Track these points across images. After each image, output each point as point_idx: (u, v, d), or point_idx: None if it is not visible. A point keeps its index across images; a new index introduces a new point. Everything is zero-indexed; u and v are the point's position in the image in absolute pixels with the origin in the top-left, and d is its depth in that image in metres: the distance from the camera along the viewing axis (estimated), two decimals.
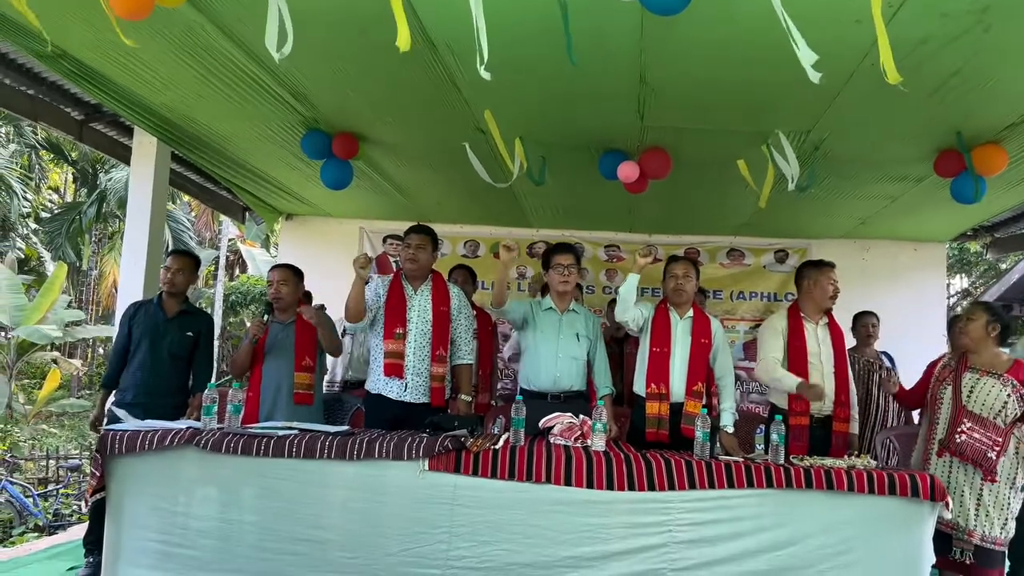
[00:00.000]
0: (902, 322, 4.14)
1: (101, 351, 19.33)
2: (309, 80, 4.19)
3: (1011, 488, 3.56)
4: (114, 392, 4.21)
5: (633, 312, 4.04)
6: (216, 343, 14.77)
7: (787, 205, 5.83)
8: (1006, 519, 3.57)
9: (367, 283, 3.97)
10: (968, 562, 3.54)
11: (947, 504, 3.11)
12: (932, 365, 3.93)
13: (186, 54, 3.92)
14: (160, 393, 4.09)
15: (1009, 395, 3.56)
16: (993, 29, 3.18)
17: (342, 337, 4.97)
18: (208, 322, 4.46)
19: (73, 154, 16.60)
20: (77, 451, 10.52)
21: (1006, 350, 3.87)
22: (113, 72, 4.24)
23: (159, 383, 4.11)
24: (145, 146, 5.45)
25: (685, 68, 3.72)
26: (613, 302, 5.25)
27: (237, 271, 19.97)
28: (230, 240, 17.49)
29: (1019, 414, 3.56)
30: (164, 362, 4.13)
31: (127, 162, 5.83)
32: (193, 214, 18.13)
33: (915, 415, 4.75)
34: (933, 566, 3.48)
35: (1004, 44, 3.31)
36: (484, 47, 2.74)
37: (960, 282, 18.61)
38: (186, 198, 16.02)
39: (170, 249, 11.12)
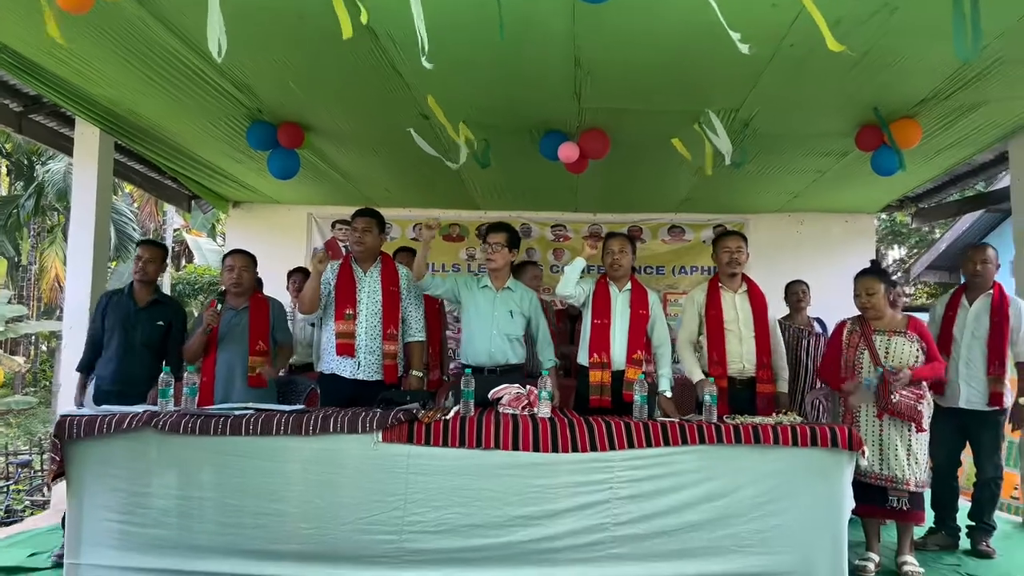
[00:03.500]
0: (835, 290, 4.40)
1: (44, 347, 18.91)
2: (251, 71, 4.25)
3: (927, 433, 3.88)
4: (93, 381, 4.26)
5: (574, 289, 4.24)
6: None
7: (724, 182, 6.07)
8: (926, 462, 3.90)
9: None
10: (905, 508, 3.84)
11: (863, 452, 3.37)
12: (837, 334, 4.15)
13: (128, 50, 3.97)
14: (134, 381, 4.14)
15: (917, 350, 3.88)
16: (899, 12, 3.42)
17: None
18: (179, 311, 4.50)
19: (7, 146, 16.16)
20: (27, 447, 10.37)
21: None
22: (54, 66, 4.26)
23: (132, 371, 4.16)
24: (87, 137, 5.39)
25: (617, 52, 3.89)
26: None
27: (183, 261, 19.69)
28: (175, 230, 17.24)
29: (924, 364, 3.88)
30: (136, 351, 4.18)
31: (69, 153, 5.78)
32: (136, 205, 17.80)
33: None
34: (856, 514, 3.79)
35: (909, 25, 3.56)
36: (423, 36, 2.87)
37: (896, 252, 19.31)
38: (128, 188, 15.73)
39: (138, 240, 10.92)
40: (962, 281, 4.64)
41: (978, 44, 3.02)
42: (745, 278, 4.42)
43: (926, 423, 3.87)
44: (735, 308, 4.31)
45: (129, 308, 4.25)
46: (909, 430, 3.83)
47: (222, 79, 4.33)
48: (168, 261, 4.50)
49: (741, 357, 4.25)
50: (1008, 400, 4.28)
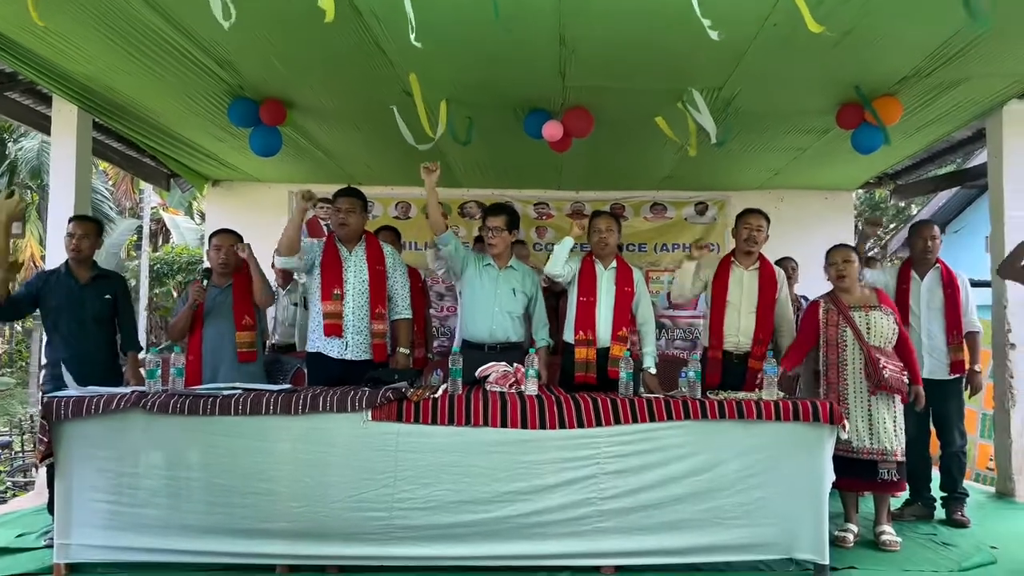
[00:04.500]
0: (815, 266, 4.47)
1: (20, 328, 18.70)
2: (234, 48, 4.21)
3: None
4: (45, 366, 4.22)
5: (562, 268, 4.29)
6: (143, 314, 14.49)
7: (706, 159, 6.10)
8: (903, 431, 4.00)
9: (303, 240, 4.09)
10: (895, 479, 3.92)
11: (844, 426, 3.44)
12: (811, 312, 4.19)
13: (107, 27, 3.92)
14: (91, 360, 4.06)
15: (893, 323, 3.98)
16: None
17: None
18: (122, 281, 4.46)
19: None
20: (6, 429, 10.30)
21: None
22: (30, 42, 4.19)
23: (87, 348, 4.09)
24: (65, 115, 5.31)
25: (602, 30, 3.90)
26: None
27: (161, 241, 19.48)
28: (152, 208, 17.02)
29: (898, 336, 4.00)
30: (89, 328, 4.12)
31: (46, 131, 5.68)
32: (111, 183, 17.54)
33: None
34: (844, 488, 3.89)
35: (890, 5, 3.60)
36: (411, 14, 2.87)
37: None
38: (103, 167, 15.50)
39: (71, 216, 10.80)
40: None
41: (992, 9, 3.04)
42: (761, 257, 4.47)
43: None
44: (742, 284, 4.38)
45: (71, 287, 4.13)
46: (894, 402, 3.93)
47: (204, 56, 4.28)
48: (103, 237, 4.43)
49: (738, 332, 4.33)
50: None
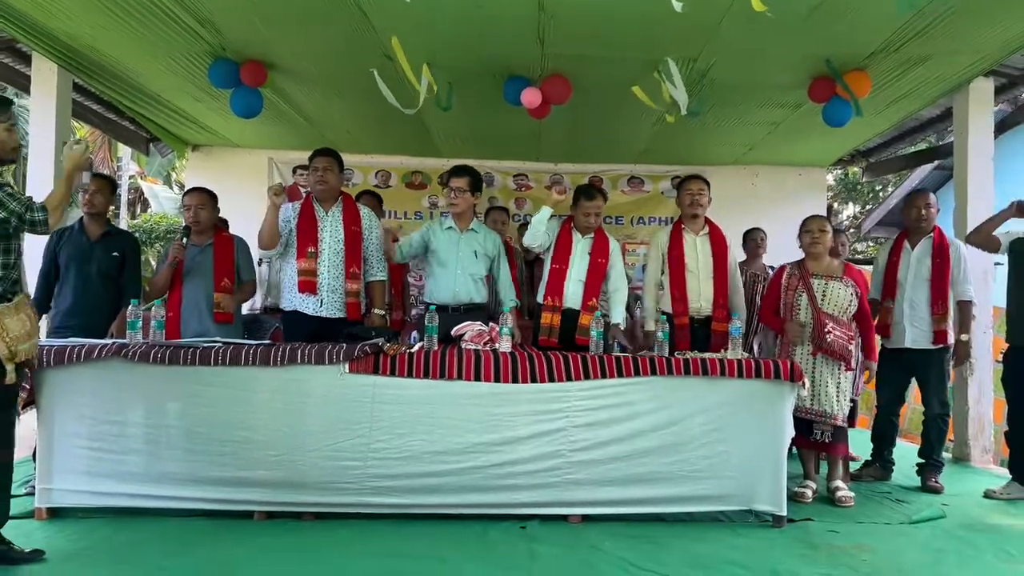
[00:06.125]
0: (788, 240, 4.60)
1: None
2: (215, 6, 4.25)
3: (855, 372, 4.13)
4: (47, 316, 4.27)
5: (542, 239, 4.39)
6: None
7: (682, 133, 6.22)
8: (848, 399, 4.18)
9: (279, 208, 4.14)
10: (827, 440, 4.11)
11: (803, 384, 3.58)
12: (777, 277, 4.35)
13: None
14: (94, 313, 4.16)
15: (852, 295, 4.12)
16: None
17: (258, 266, 5.10)
18: (133, 240, 4.53)
19: None
20: None
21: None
22: None
23: (92, 303, 4.17)
24: (45, 73, 5.30)
25: None
26: (524, 226, 5.59)
27: (139, 209, 19.32)
28: (130, 177, 16.88)
29: (856, 308, 4.12)
30: (94, 283, 4.19)
31: (25, 91, 5.67)
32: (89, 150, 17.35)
33: None
34: (794, 446, 4.04)
35: None
36: None
37: (850, 209, 19.77)
38: (80, 132, 15.33)
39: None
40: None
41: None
42: (708, 221, 4.57)
43: (854, 363, 4.11)
44: (695, 250, 4.48)
45: (82, 242, 4.23)
46: (839, 368, 4.08)
47: (185, 14, 4.32)
48: (116, 194, 4.48)
49: (699, 297, 4.45)
50: (951, 338, 4.51)
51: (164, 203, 16.49)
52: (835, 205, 17.93)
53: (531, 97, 4.97)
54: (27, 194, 3.18)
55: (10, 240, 2.91)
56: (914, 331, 4.51)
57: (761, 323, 4.73)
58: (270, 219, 4.12)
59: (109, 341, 3.53)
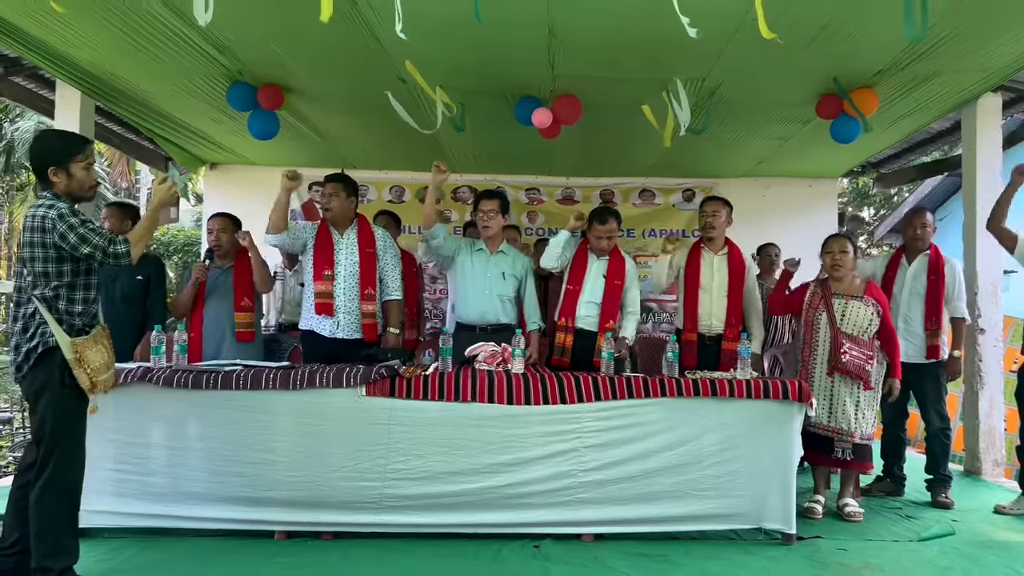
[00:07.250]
0: (799, 253, 4.64)
1: None
2: (233, 33, 4.36)
3: (877, 390, 4.18)
4: None
5: (557, 261, 4.50)
6: None
7: (692, 147, 6.27)
8: (873, 417, 4.21)
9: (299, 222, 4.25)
10: (848, 458, 4.15)
11: (811, 404, 3.64)
12: (803, 289, 4.41)
13: (109, 12, 4.06)
14: (118, 336, 4.21)
15: (873, 314, 4.14)
16: None
17: (274, 282, 5.21)
18: (159, 264, 4.65)
19: None
20: (7, 405, 10.46)
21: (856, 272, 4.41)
22: (34, 28, 4.32)
23: (116, 327, 4.26)
24: (68, 99, 5.44)
25: (589, 21, 4.07)
26: (541, 242, 5.68)
27: None
28: (149, 190, 17.10)
29: (878, 328, 4.14)
30: (117, 305, 4.31)
31: (49, 115, 5.82)
32: (107, 164, 17.60)
33: None
34: (805, 461, 4.09)
35: (862, 1, 3.76)
36: (399, 6, 3.02)
37: (864, 214, 19.74)
38: (100, 148, 15.56)
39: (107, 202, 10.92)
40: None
41: (926, 24, 3.23)
42: (728, 242, 4.63)
43: (874, 382, 4.14)
44: (712, 269, 4.55)
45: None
46: (858, 387, 4.12)
47: (203, 41, 4.43)
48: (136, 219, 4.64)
49: (711, 315, 4.51)
50: (944, 353, 4.58)
51: (182, 216, 16.70)
52: (850, 208, 17.92)
53: (542, 118, 5.06)
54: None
55: (91, 275, 3.00)
56: (908, 345, 4.55)
57: (770, 312, 4.79)
58: (282, 201, 4.23)
59: (135, 365, 3.64)
